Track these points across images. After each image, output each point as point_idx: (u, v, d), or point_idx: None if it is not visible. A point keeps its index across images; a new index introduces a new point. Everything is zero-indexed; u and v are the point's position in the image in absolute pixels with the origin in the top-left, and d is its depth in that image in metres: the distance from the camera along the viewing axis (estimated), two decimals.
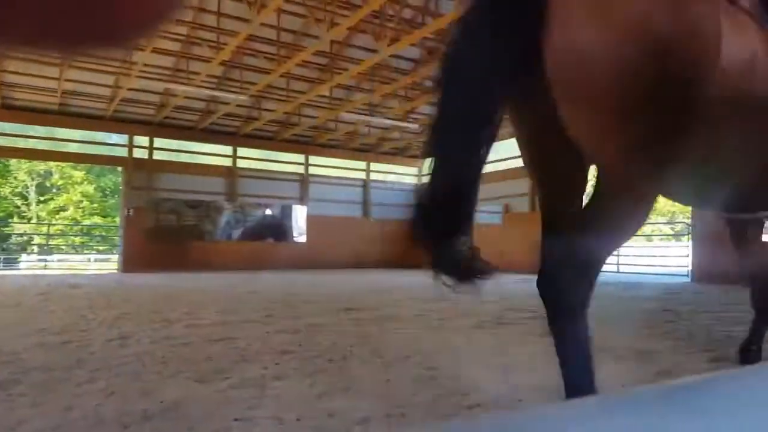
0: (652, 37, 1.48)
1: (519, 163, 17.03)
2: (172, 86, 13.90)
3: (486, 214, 18.79)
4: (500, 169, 18.80)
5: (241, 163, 19.10)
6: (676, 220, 26.95)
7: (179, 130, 17.94)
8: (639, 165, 1.63)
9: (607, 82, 1.51)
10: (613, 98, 1.53)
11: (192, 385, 2.94)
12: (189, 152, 18.66)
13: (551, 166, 1.96)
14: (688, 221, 13.93)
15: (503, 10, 1.62)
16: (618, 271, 15.60)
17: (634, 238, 15.89)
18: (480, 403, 2.64)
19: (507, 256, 17.67)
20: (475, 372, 3.24)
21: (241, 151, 19.11)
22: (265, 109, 16.92)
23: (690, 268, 13.21)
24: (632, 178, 1.68)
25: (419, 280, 12.38)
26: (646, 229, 30.38)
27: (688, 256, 13.49)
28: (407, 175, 22.71)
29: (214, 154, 19.07)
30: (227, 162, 18.93)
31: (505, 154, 19.05)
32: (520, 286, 11.02)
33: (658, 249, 22.21)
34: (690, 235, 13.46)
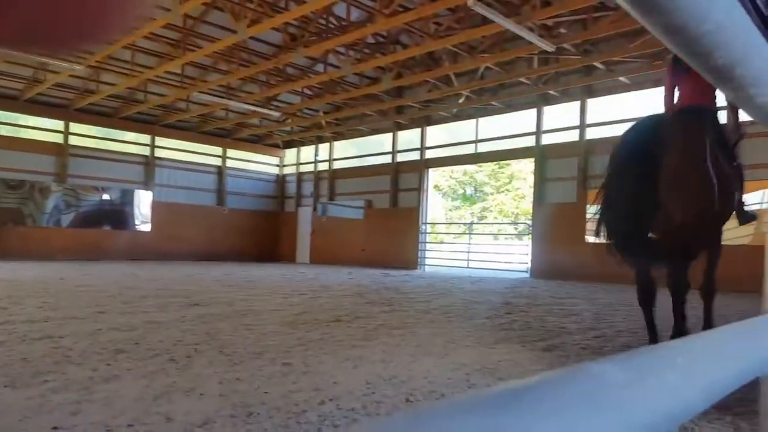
0: (704, 215, 3.44)
1: (382, 159, 17.58)
2: None
3: (349, 209, 18.96)
4: (364, 165, 19.09)
5: (74, 140, 17.16)
6: (519, 221, 29.45)
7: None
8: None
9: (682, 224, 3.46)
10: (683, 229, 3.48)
11: (1, 390, 2.52)
12: (10, 125, 16.40)
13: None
14: (529, 222, 15.25)
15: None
16: (468, 267, 16.65)
17: (483, 237, 17.01)
18: (333, 398, 2.58)
19: (369, 250, 18.06)
20: (330, 366, 3.19)
21: (75, 127, 17.16)
22: (105, 82, 15.39)
23: (529, 264, 14.50)
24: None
25: (276, 274, 12.15)
26: (492, 228, 32.86)
27: (527, 254, 14.77)
28: (267, 165, 22.12)
29: (41, 128, 16.87)
30: (57, 138, 16.89)
31: (368, 150, 19.42)
32: (379, 280, 11.29)
33: (503, 247, 24.25)
34: (530, 235, 14.74)
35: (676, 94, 3.89)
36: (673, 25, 0.38)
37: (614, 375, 0.28)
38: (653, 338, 3.83)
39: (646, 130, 3.69)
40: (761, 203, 10.97)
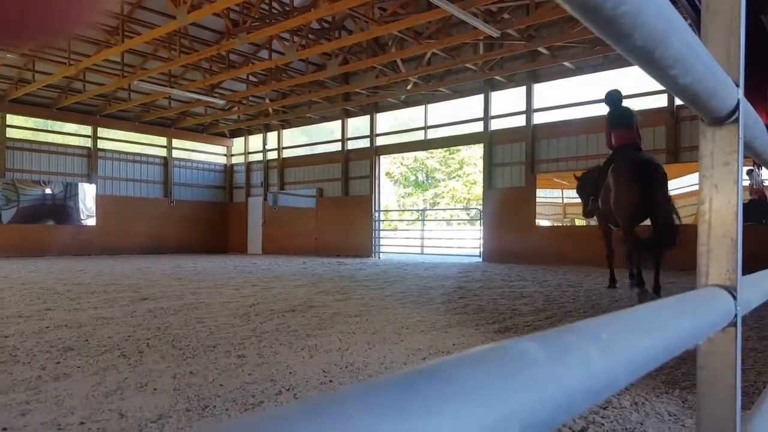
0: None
1: (332, 147, 17.48)
2: None
3: (301, 198, 18.76)
4: (314, 153, 18.90)
5: (11, 133, 16.29)
6: (471, 207, 29.77)
7: None
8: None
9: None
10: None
11: None
12: None
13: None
14: (480, 207, 15.49)
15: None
16: (422, 253, 16.81)
17: (436, 223, 17.44)
18: (290, 387, 2.58)
19: (322, 238, 17.96)
20: (285, 357, 3.18)
21: (12, 119, 16.30)
22: (40, 72, 14.64)
23: (481, 249, 14.74)
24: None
25: (228, 265, 11.89)
26: (445, 214, 33.18)
27: (479, 238, 15.00)
28: (214, 154, 21.58)
29: None
30: None
31: (318, 138, 19.22)
32: (334, 269, 11.25)
33: (455, 232, 24.57)
34: (481, 220, 14.97)
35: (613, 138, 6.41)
36: (590, 6, 0.40)
37: (536, 352, 0.29)
38: (641, 283, 5.77)
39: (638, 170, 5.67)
40: (695, 184, 11.49)
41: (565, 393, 0.29)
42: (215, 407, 2.29)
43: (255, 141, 21.06)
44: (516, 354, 0.28)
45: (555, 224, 13.51)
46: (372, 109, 17.23)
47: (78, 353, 3.24)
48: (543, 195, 13.63)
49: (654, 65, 0.56)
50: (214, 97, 15.98)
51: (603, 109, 12.71)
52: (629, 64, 12.39)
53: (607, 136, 6.59)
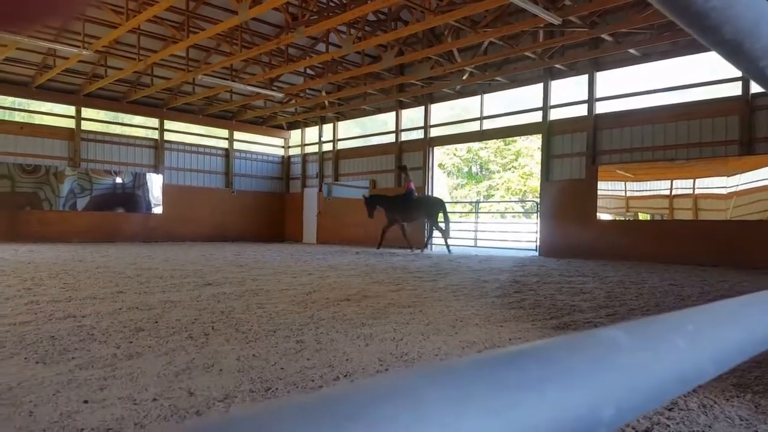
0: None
1: (387, 139, 17.93)
2: None
3: (354, 189, 18.92)
4: (368, 144, 19.01)
5: (85, 125, 17.25)
6: (527, 199, 29.10)
7: (11, 86, 15.83)
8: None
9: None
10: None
11: (32, 366, 2.64)
12: (24, 111, 16.65)
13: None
14: (537, 200, 15.15)
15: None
16: (475, 245, 16.65)
17: (489, 215, 18.64)
18: (347, 374, 2.64)
19: (372, 230, 18.09)
20: (342, 344, 3.25)
21: (86, 112, 17.26)
22: (112, 67, 15.39)
23: (537, 242, 14.42)
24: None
25: (285, 254, 12.17)
26: (500, 206, 32.61)
27: (536, 231, 14.67)
28: (273, 146, 22.09)
29: (53, 113, 17.00)
30: (69, 123, 17.00)
31: (372, 129, 19.32)
32: (386, 260, 11.34)
33: (510, 225, 24.14)
34: (537, 213, 14.63)
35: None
36: (679, 2, 0.40)
37: (624, 340, 0.30)
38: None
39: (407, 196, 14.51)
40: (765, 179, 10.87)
41: (656, 380, 0.30)
42: (277, 389, 2.37)
43: (311, 133, 21.40)
44: (607, 341, 0.29)
45: (617, 218, 13.05)
46: (426, 99, 17.14)
47: (149, 334, 3.41)
48: (604, 188, 13.18)
49: (742, 57, 0.55)
50: (273, 90, 16.33)
51: (672, 98, 12.27)
52: (699, 51, 11.80)
53: (406, 184, 14.49)
